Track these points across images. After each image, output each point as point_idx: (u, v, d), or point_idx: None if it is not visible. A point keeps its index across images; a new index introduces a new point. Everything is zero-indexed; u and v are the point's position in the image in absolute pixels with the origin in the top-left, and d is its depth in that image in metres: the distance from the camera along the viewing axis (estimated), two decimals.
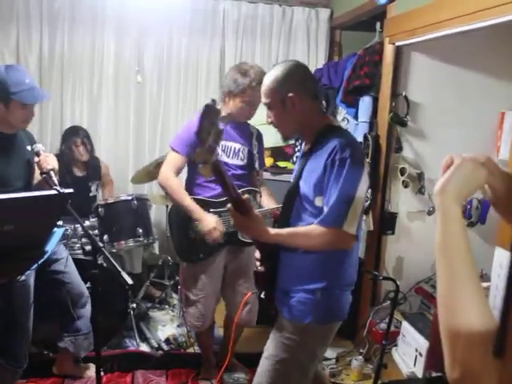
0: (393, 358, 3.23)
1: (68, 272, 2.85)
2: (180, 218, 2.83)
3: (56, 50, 4.33)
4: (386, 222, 3.39)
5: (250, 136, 2.94)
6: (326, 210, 1.79)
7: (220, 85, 2.92)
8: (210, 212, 2.75)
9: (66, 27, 4.30)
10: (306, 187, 1.89)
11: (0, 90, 2.40)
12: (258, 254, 2.05)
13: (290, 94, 1.87)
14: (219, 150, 2.80)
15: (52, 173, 2.37)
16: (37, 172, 2.58)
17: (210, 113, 1.55)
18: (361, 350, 3.44)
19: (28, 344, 2.74)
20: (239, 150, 2.87)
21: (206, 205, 2.77)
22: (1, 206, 1.71)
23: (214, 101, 1.57)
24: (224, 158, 2.82)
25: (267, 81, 1.93)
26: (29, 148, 2.62)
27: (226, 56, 4.51)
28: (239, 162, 2.88)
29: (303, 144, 2.10)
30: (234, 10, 4.49)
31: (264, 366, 1.99)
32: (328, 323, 1.98)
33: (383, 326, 3.30)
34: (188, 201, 2.75)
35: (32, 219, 1.82)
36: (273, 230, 1.83)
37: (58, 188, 1.93)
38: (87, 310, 2.96)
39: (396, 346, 3.26)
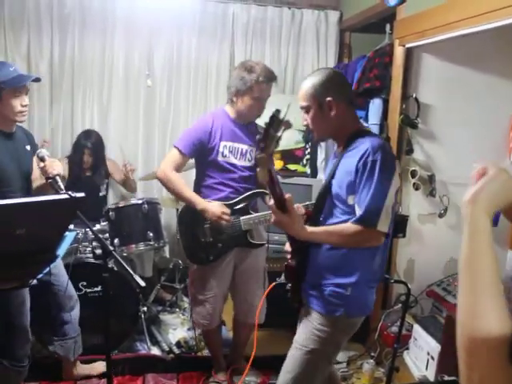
0: (404, 361, 3.21)
1: (56, 274, 2.80)
2: (189, 221, 2.84)
3: (66, 55, 4.36)
4: (397, 225, 3.36)
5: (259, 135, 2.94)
6: (359, 209, 1.88)
7: (227, 85, 2.92)
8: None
9: (76, 32, 4.33)
10: (338, 186, 1.98)
11: None
12: (288, 247, 2.14)
13: (328, 99, 1.97)
14: (227, 152, 2.82)
15: (58, 178, 2.39)
16: (37, 174, 2.60)
17: (275, 122, 1.65)
18: (372, 354, 3.42)
19: (28, 343, 2.74)
20: (247, 151, 2.88)
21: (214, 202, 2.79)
22: (13, 211, 1.72)
23: (278, 111, 1.66)
24: (232, 160, 2.83)
25: (306, 85, 2.02)
26: (28, 148, 2.64)
27: (236, 59, 4.50)
28: (247, 163, 2.89)
29: (334, 146, 2.19)
30: (244, 13, 4.49)
31: (294, 355, 2.07)
32: (356, 317, 2.08)
33: (394, 329, 3.29)
34: (189, 193, 2.79)
35: (43, 223, 1.84)
36: (309, 228, 1.92)
37: (70, 192, 1.94)
38: (75, 314, 2.96)
39: (407, 349, 3.25)
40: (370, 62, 3.54)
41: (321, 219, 2.05)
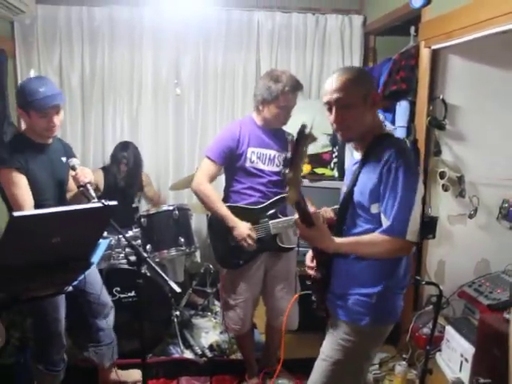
0: (437, 363, 3.18)
1: (91, 282, 2.85)
2: (220, 226, 2.88)
3: (97, 67, 4.48)
4: (427, 226, 3.36)
5: (286, 142, 2.97)
6: (386, 219, 1.83)
7: (253, 93, 2.95)
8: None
9: (105, 44, 4.45)
10: (360, 195, 1.92)
11: (20, 100, 2.52)
12: (309, 262, 2.10)
13: (373, 91, 1.91)
14: (255, 158, 2.85)
15: (89, 186, 2.46)
16: (73, 184, 2.66)
17: (304, 139, 1.62)
18: (404, 355, 3.41)
19: (64, 348, 2.81)
20: (274, 156, 2.91)
21: (243, 212, 2.83)
22: (49, 220, 1.77)
23: (304, 126, 1.62)
24: (260, 165, 2.87)
25: (343, 79, 1.88)
26: (63, 159, 2.70)
27: (262, 66, 4.56)
28: (275, 169, 2.92)
29: (354, 152, 2.11)
30: (268, 21, 4.54)
31: (320, 366, 2.04)
32: (383, 325, 2.03)
33: (426, 330, 3.27)
34: (222, 208, 2.82)
35: (78, 231, 1.88)
36: (337, 240, 1.87)
37: (103, 201, 1.99)
38: (110, 321, 3.01)
39: (440, 351, 3.22)
40: (397, 64, 3.54)
41: (344, 228, 2.00)
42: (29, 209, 2.43)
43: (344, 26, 4.60)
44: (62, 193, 2.71)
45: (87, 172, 2.55)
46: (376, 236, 1.85)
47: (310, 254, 2.12)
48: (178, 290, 2.04)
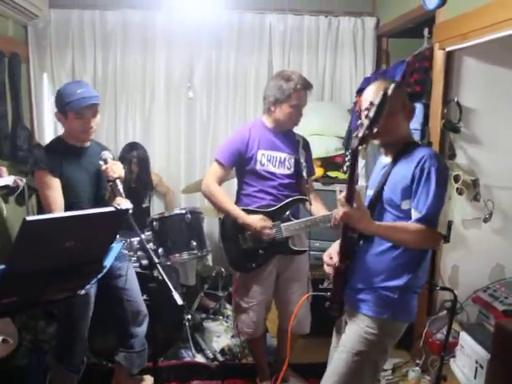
0: (451, 369, 3.15)
1: (129, 289, 2.90)
2: (232, 229, 2.88)
3: (109, 70, 4.50)
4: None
5: (297, 145, 2.96)
6: (416, 212, 1.92)
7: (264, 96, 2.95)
8: None
9: (118, 47, 4.47)
10: (391, 192, 2.00)
11: (58, 102, 2.59)
12: (327, 258, 2.15)
13: (394, 108, 1.97)
14: (265, 160, 2.84)
15: (118, 181, 2.49)
16: None
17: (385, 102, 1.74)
18: (417, 361, 3.38)
19: (85, 351, 2.85)
20: (285, 159, 2.90)
21: (254, 215, 2.82)
22: (62, 224, 1.77)
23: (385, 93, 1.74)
24: (270, 168, 2.87)
25: (385, 84, 1.97)
26: (101, 162, 2.72)
27: (274, 69, 4.54)
28: (286, 171, 2.91)
29: (382, 157, 2.18)
30: (280, 23, 4.53)
31: (340, 358, 2.08)
32: (401, 321, 2.09)
33: (440, 336, 3.24)
34: (231, 206, 2.84)
35: (91, 235, 1.88)
36: (376, 222, 1.93)
37: (116, 205, 1.99)
38: (143, 329, 3.01)
39: (454, 357, 3.18)
40: (410, 66, 3.52)
41: None
42: (58, 210, 2.50)
43: (356, 29, 4.58)
44: (99, 194, 2.74)
45: (117, 167, 2.57)
46: (410, 224, 1.93)
47: (328, 251, 2.18)
48: (180, 302, 2.04)
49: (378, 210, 2.04)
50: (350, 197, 1.84)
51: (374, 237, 2.01)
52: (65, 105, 2.55)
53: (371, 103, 1.76)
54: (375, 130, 1.74)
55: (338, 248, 2.05)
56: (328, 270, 2.14)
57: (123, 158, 4.10)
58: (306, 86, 2.82)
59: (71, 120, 2.57)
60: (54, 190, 2.55)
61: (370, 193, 2.13)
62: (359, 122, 1.80)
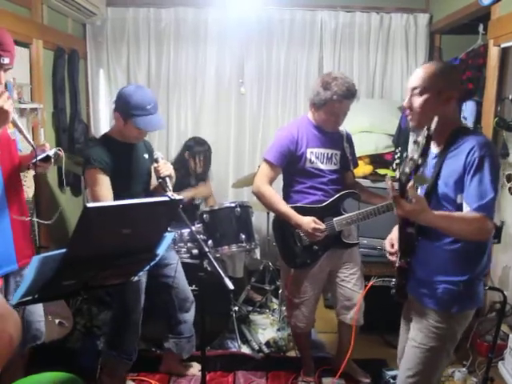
0: (499, 372, 3.10)
1: (177, 277, 3.01)
2: (286, 226, 2.90)
3: (162, 66, 4.63)
4: None
5: (341, 139, 2.97)
6: (468, 204, 1.87)
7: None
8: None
9: (171, 44, 4.59)
10: (446, 187, 1.95)
11: (123, 107, 2.64)
12: (389, 246, 2.14)
13: (450, 92, 1.94)
14: (314, 158, 2.86)
15: (167, 179, 2.58)
16: (153, 178, 2.79)
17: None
18: (464, 362, 3.33)
19: (137, 338, 2.95)
20: (332, 155, 2.91)
21: (306, 211, 2.83)
22: (120, 212, 1.85)
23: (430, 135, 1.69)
24: (319, 165, 2.88)
25: (429, 69, 1.96)
26: (146, 156, 2.86)
27: (325, 66, 4.57)
28: (333, 167, 2.92)
29: (432, 145, 2.08)
30: (332, 20, 4.54)
31: (414, 354, 2.09)
32: (470, 309, 2.07)
33: (488, 338, 3.19)
34: (284, 207, 2.84)
35: (147, 224, 1.94)
36: (434, 212, 1.86)
37: (169, 195, 2.06)
38: (191, 315, 3.12)
39: (503, 359, 3.13)
40: (463, 64, 3.47)
41: None
42: None
43: (409, 25, 4.54)
44: (146, 188, 2.87)
45: (168, 166, 2.68)
46: (467, 213, 1.87)
47: (389, 236, 2.18)
48: (231, 286, 2.07)
49: (434, 205, 1.97)
50: (403, 193, 1.80)
51: (432, 231, 1.95)
52: (130, 115, 2.60)
53: (415, 141, 1.73)
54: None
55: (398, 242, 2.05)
56: (391, 257, 2.13)
57: (191, 152, 4.10)
58: (346, 95, 2.74)
59: (130, 128, 2.66)
60: (104, 186, 2.63)
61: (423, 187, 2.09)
62: (409, 157, 1.76)
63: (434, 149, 2.05)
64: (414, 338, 2.10)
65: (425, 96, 1.95)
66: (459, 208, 1.91)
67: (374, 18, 4.54)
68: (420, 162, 1.70)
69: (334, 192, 2.90)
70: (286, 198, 2.97)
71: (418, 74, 1.98)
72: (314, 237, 2.78)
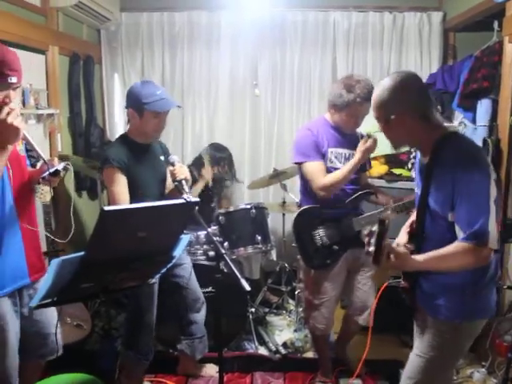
0: None
1: (186, 277, 3.03)
2: (307, 227, 2.90)
3: (176, 69, 4.68)
4: (509, 229, 3.23)
5: (357, 141, 2.96)
6: (460, 228, 1.78)
7: (328, 94, 2.96)
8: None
9: (185, 47, 4.63)
10: (435, 204, 1.89)
11: (135, 101, 2.68)
12: (402, 239, 2.10)
13: (393, 117, 1.90)
14: (333, 157, 2.86)
15: (184, 182, 2.60)
16: (170, 181, 2.82)
17: (385, 232, 1.73)
18: (483, 363, 3.30)
19: (152, 338, 2.97)
20: (349, 155, 2.92)
21: (320, 213, 2.86)
22: (137, 214, 1.86)
23: (383, 221, 1.72)
24: (337, 165, 2.89)
25: (376, 95, 1.96)
26: (162, 158, 2.89)
27: (338, 66, 4.57)
28: None
29: (418, 155, 2.10)
30: (344, 20, 4.53)
31: (415, 362, 2.05)
32: (477, 319, 1.99)
33: (507, 338, 3.16)
34: (346, 167, 2.79)
35: (162, 226, 1.95)
36: (420, 258, 1.83)
37: (186, 197, 2.07)
38: (202, 315, 3.14)
39: None
40: (478, 61, 3.45)
41: (424, 235, 1.97)
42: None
43: (422, 24, 4.51)
44: (162, 189, 2.90)
45: (184, 169, 2.70)
46: (458, 246, 1.79)
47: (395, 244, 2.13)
48: (247, 288, 2.04)
49: (429, 220, 1.94)
50: (380, 256, 1.77)
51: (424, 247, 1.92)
52: (144, 105, 2.65)
53: (371, 232, 1.76)
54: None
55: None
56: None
57: (213, 157, 4.11)
58: (368, 98, 2.66)
59: (148, 119, 2.68)
60: (121, 186, 2.67)
61: (418, 192, 2.04)
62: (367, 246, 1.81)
63: (422, 159, 2.02)
64: (417, 345, 2.07)
65: (381, 124, 1.97)
66: (452, 224, 1.83)
67: (387, 18, 4.52)
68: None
69: (352, 192, 2.91)
70: (305, 198, 2.98)
71: (372, 102, 1.99)
72: None
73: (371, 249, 1.81)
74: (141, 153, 2.79)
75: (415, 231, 2.04)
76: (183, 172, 2.66)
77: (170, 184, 2.90)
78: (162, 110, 2.70)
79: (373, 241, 1.79)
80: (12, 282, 2.18)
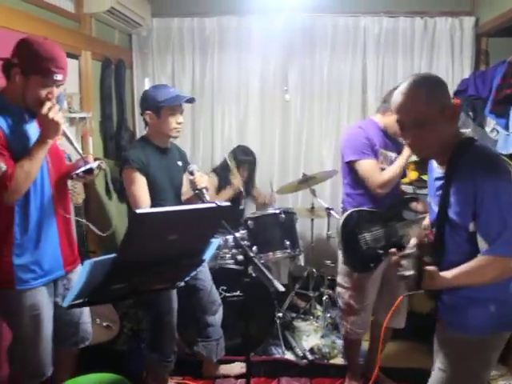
0: None
1: (202, 279, 3.06)
2: (353, 229, 2.88)
3: (207, 74, 4.71)
4: None
5: (401, 145, 2.95)
6: (485, 240, 1.72)
7: (382, 98, 2.96)
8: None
9: (215, 53, 4.66)
10: (455, 215, 1.81)
11: (152, 102, 2.78)
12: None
13: (430, 117, 1.76)
14: (382, 159, 2.87)
15: (204, 190, 2.64)
16: (186, 188, 2.89)
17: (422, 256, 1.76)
18: None
19: (174, 340, 2.99)
20: (395, 159, 2.91)
21: (370, 215, 2.86)
22: (168, 217, 1.88)
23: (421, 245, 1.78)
24: (385, 167, 2.88)
25: (405, 98, 1.80)
26: (179, 163, 2.95)
27: (368, 72, 4.55)
28: None
29: (431, 164, 2.02)
30: (375, 25, 4.51)
31: (440, 377, 1.96)
32: (504, 331, 1.92)
33: None
34: (397, 162, 2.82)
35: (193, 229, 1.97)
36: (448, 274, 1.78)
37: (217, 202, 2.09)
38: (218, 317, 3.16)
39: None
40: (511, 67, 3.39)
41: (445, 249, 1.89)
42: (144, 207, 2.65)
43: (454, 29, 4.46)
44: (178, 194, 2.94)
45: (204, 178, 2.74)
46: (484, 259, 1.73)
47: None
48: (281, 289, 2.04)
49: (450, 234, 1.86)
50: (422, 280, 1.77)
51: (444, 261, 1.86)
52: (161, 104, 2.74)
53: (408, 255, 1.74)
54: None
55: None
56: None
57: (237, 159, 4.13)
58: None
59: (165, 117, 2.77)
60: (141, 187, 2.71)
61: (435, 208, 1.94)
62: (402, 268, 1.79)
63: (438, 169, 1.93)
64: (441, 360, 1.97)
65: (412, 131, 1.80)
66: (473, 235, 1.76)
67: (418, 23, 4.49)
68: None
69: (394, 197, 2.90)
70: (349, 200, 2.97)
71: (406, 106, 1.80)
72: None
73: (408, 273, 1.76)
74: (159, 156, 2.84)
75: (434, 243, 1.94)
76: (203, 181, 2.69)
77: (186, 191, 2.95)
78: (179, 102, 2.79)
79: (407, 263, 1.75)
80: (48, 273, 2.28)
